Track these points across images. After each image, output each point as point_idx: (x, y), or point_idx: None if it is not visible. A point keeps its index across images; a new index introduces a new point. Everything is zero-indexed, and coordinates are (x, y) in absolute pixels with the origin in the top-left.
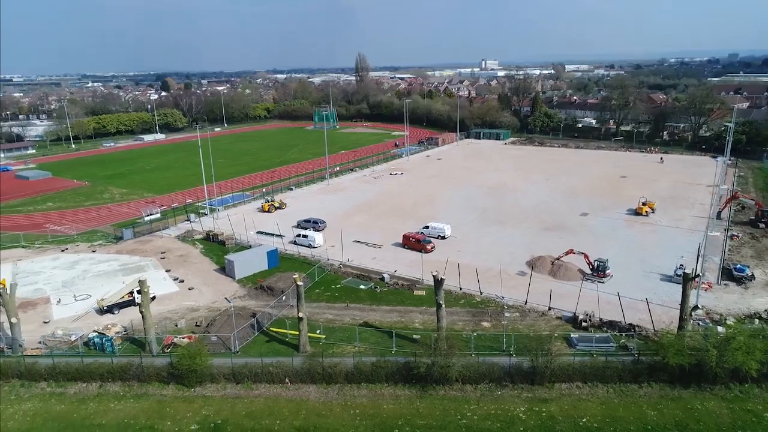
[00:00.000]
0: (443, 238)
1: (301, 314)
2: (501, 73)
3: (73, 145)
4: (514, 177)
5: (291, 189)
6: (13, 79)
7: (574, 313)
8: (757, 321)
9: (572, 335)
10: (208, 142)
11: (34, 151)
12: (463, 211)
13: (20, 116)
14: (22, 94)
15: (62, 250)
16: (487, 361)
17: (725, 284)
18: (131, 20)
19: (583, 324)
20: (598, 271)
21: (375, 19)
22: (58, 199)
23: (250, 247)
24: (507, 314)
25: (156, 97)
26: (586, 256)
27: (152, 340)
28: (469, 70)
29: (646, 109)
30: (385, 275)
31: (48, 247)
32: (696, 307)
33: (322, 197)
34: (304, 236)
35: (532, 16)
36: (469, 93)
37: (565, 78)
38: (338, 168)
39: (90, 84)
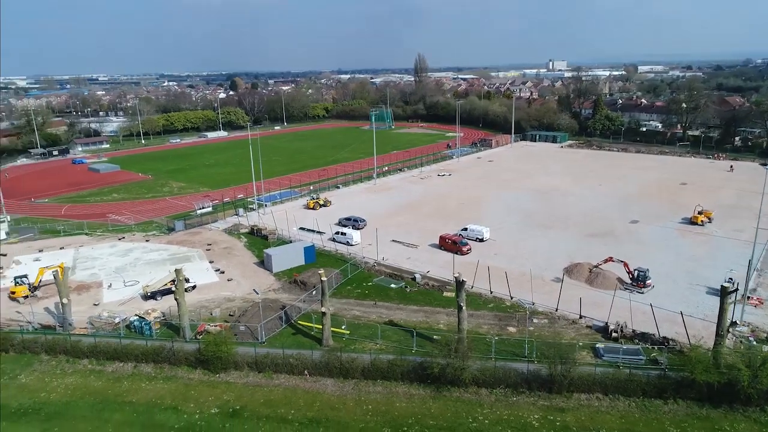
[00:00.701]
0: (481, 240)
1: (324, 309)
2: (568, 74)
3: (143, 141)
4: (565, 181)
5: (338, 187)
6: (99, 78)
7: (606, 323)
8: None
9: (599, 345)
10: (258, 141)
11: (107, 145)
12: (508, 214)
13: (100, 113)
14: (104, 92)
15: (119, 239)
16: (505, 366)
17: None
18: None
19: (614, 335)
20: (638, 281)
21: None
22: (122, 191)
23: (290, 242)
24: (535, 320)
25: (223, 95)
26: (626, 265)
27: (186, 326)
28: (535, 70)
29: (717, 112)
30: (417, 275)
31: (108, 236)
32: (734, 323)
33: (368, 196)
34: (343, 234)
35: (604, 13)
36: (531, 94)
37: (636, 79)
38: (387, 168)
39: (165, 83)
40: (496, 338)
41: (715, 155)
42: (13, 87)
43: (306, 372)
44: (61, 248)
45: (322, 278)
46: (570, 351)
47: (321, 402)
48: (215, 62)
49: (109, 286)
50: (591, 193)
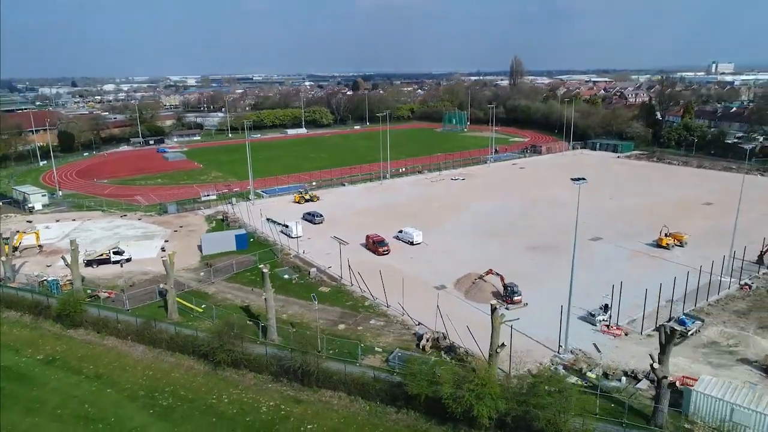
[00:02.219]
0: (412, 243)
1: (167, 287)
2: (728, 78)
3: (230, 135)
4: (573, 193)
5: (343, 185)
6: (253, 77)
7: (423, 334)
8: (623, 379)
9: (397, 351)
10: (314, 139)
11: (198, 138)
12: (470, 221)
13: (223, 109)
14: (242, 91)
15: (121, 216)
16: (278, 354)
17: (649, 335)
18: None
19: (421, 344)
20: (507, 296)
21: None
22: (167, 177)
23: (249, 230)
24: (372, 321)
25: (320, 95)
26: (502, 279)
27: (79, 288)
28: (692, 74)
29: None
30: (313, 270)
31: (120, 213)
32: (503, 345)
33: (361, 195)
34: (286, 226)
35: None
36: (650, 99)
37: None
38: (403, 169)
39: (306, 83)
40: (308, 333)
41: None
42: (179, 84)
43: (129, 337)
44: (73, 220)
45: (166, 262)
46: (369, 351)
47: (121, 363)
48: (366, 63)
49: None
50: (586, 206)
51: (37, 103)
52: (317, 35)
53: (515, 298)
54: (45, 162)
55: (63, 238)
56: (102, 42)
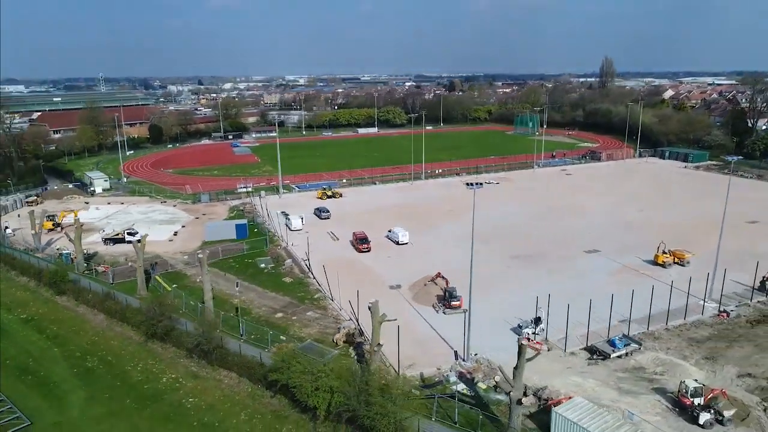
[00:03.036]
0: (398, 243)
1: (138, 265)
2: None
3: (304, 132)
4: (601, 202)
5: (374, 183)
6: (362, 77)
7: (342, 328)
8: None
9: (307, 342)
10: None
11: (275, 134)
12: (468, 226)
13: (314, 108)
14: (341, 90)
15: (161, 202)
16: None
17: (573, 353)
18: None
19: (334, 338)
20: (445, 300)
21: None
22: (223, 169)
23: (261, 222)
24: (309, 313)
25: (400, 95)
26: (447, 283)
27: (80, 261)
28: None
29: None
30: (288, 261)
31: (159, 199)
32: (380, 345)
33: (385, 194)
34: (288, 219)
35: None
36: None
37: None
38: (439, 171)
39: (407, 84)
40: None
41: None
42: (289, 83)
43: (95, 306)
44: (121, 203)
45: (137, 245)
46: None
47: (78, 327)
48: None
49: (102, 230)
50: (607, 218)
51: (161, 100)
52: (432, 35)
53: (453, 303)
54: (132, 152)
55: (104, 218)
56: (237, 43)
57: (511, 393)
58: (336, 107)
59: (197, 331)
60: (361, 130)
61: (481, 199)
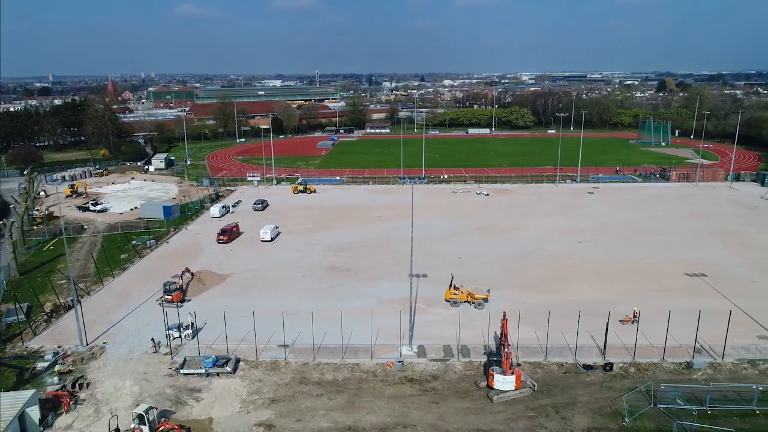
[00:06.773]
0: (264, 240)
1: (15, 225)
2: None
3: (416, 129)
4: (579, 231)
5: (368, 183)
6: (587, 76)
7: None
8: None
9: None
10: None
11: (387, 131)
12: (355, 235)
13: (456, 105)
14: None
15: (178, 184)
16: None
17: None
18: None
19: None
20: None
21: None
22: (284, 161)
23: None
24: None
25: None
26: (191, 278)
27: (25, 217)
28: None
29: None
30: (151, 241)
31: (179, 180)
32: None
33: (355, 195)
34: (211, 205)
35: None
36: None
37: None
38: (445, 176)
39: (627, 82)
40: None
41: None
42: (506, 81)
43: None
44: (152, 181)
45: (12, 209)
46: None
47: None
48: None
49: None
50: (571, 253)
51: (362, 94)
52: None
53: (167, 297)
54: (243, 140)
55: (116, 192)
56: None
57: None
58: (496, 106)
59: None
60: (472, 131)
61: (437, 210)
